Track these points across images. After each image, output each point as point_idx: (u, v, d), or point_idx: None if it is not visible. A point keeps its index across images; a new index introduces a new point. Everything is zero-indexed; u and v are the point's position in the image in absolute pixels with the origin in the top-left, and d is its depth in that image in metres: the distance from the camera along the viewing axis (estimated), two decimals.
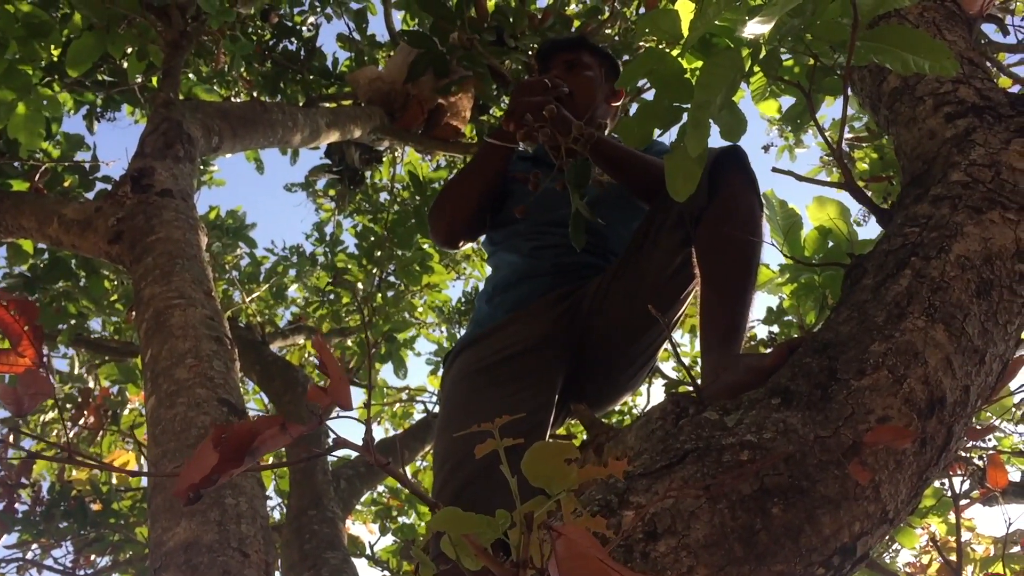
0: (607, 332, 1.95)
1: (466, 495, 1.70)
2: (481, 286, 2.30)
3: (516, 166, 2.24)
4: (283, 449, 4.18)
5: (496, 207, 2.21)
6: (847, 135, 4.71)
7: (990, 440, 3.52)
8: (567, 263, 2.10)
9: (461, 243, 2.24)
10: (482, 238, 2.32)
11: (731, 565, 1.07)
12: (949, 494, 2.53)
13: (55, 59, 3.97)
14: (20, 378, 0.75)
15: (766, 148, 5.73)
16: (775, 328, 3.70)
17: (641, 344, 1.98)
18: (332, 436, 0.75)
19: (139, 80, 4.24)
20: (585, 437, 1.83)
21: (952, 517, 2.61)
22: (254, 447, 0.58)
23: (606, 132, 2.42)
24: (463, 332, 2.24)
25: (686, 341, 6.32)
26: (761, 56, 1.53)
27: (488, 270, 2.31)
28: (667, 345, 2.18)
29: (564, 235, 2.11)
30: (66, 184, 4.11)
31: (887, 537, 2.91)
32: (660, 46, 1.59)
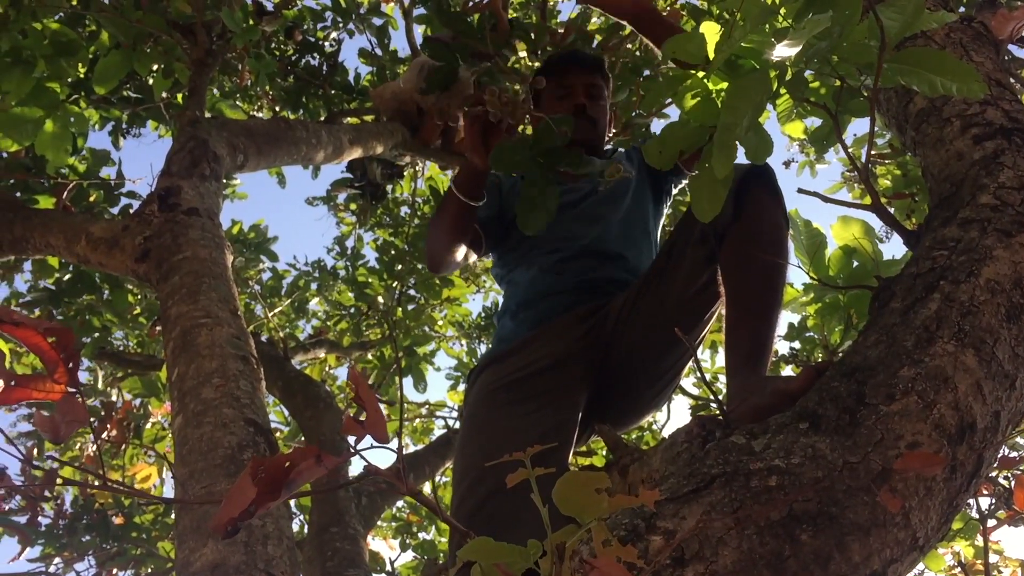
0: (632, 350, 1.94)
1: (484, 512, 1.70)
2: (500, 300, 2.28)
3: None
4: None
5: (503, 230, 2.21)
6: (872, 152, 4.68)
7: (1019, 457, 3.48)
8: (592, 279, 2.09)
9: (445, 271, 2.23)
10: (491, 261, 2.32)
11: None
12: (976, 515, 2.51)
13: (82, 76, 4.02)
14: (57, 405, 0.76)
15: (787, 164, 5.71)
16: (796, 344, 3.69)
17: (666, 363, 1.97)
18: (365, 464, 0.75)
19: (164, 97, 4.28)
20: (609, 458, 1.82)
21: (979, 539, 2.58)
22: (290, 480, 0.59)
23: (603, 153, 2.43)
24: (485, 348, 2.24)
25: (707, 356, 6.29)
26: (787, 78, 1.53)
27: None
28: (691, 363, 2.16)
29: (591, 257, 2.11)
30: (91, 199, 4.15)
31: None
32: (683, 66, 1.59)
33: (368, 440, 0.75)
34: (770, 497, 1.14)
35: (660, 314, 1.89)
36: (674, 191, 2.36)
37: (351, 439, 0.72)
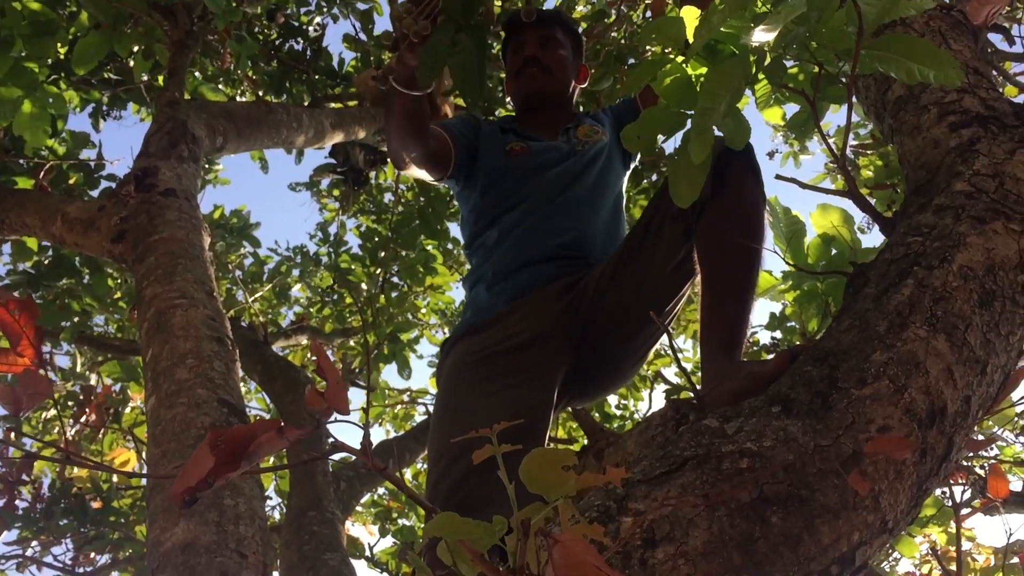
0: (609, 325, 1.93)
1: (461, 492, 1.69)
2: (470, 265, 2.25)
3: (501, 139, 2.24)
4: (284, 451, 4.17)
5: (471, 165, 2.20)
6: (852, 142, 4.71)
7: (992, 449, 3.52)
8: (568, 244, 2.09)
9: (407, 169, 2.15)
10: (465, 209, 2.29)
11: (729, 573, 1.06)
12: (949, 503, 2.53)
13: (61, 57, 3.98)
14: (19, 378, 0.75)
15: (771, 155, 5.73)
16: (778, 334, 3.70)
17: (642, 336, 1.97)
18: (331, 439, 0.75)
19: (145, 79, 4.25)
20: (586, 442, 1.82)
21: (952, 526, 2.60)
22: (251, 451, 0.58)
23: (571, 109, 2.40)
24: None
25: (688, 347, 6.32)
26: (766, 63, 1.53)
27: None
28: (669, 351, 2.16)
29: (567, 218, 2.10)
30: (71, 182, 4.11)
31: (887, 546, 2.90)
32: (665, 52, 1.59)
33: (346, 422, 0.74)
34: (741, 479, 1.14)
35: (638, 289, 1.89)
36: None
37: (316, 413, 0.71)
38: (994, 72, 3.05)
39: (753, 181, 1.79)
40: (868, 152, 4.62)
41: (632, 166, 2.38)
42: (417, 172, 2.17)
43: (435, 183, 2.38)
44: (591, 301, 1.93)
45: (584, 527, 0.82)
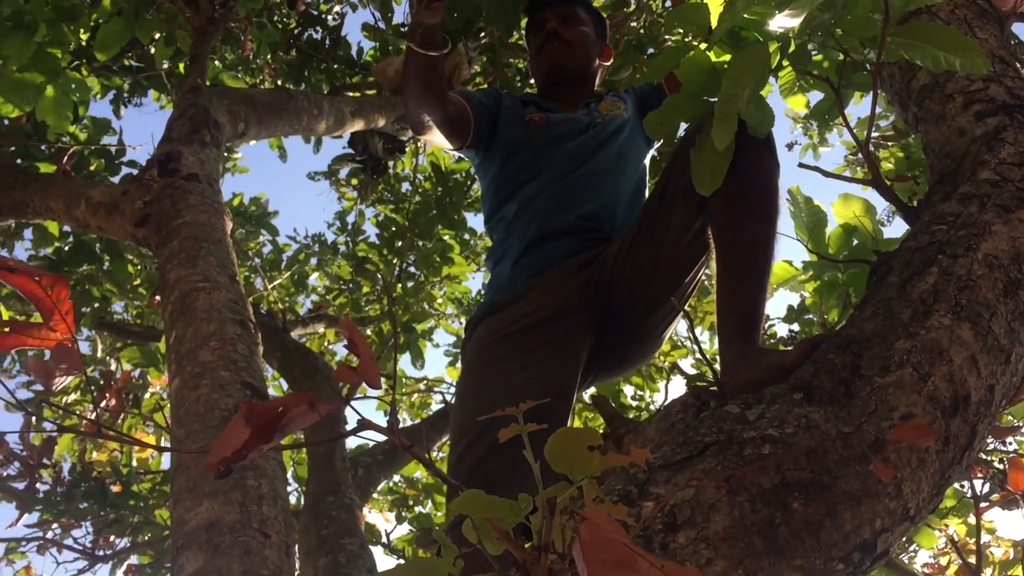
0: (629, 299, 1.92)
1: (483, 471, 1.69)
2: (493, 240, 2.26)
3: (522, 111, 2.24)
4: (302, 434, 4.20)
5: (491, 136, 2.21)
6: (873, 134, 4.68)
7: (1011, 443, 3.50)
8: (588, 216, 2.08)
9: (425, 132, 2.15)
10: (484, 183, 2.29)
11: (750, 558, 1.06)
12: (969, 495, 2.52)
13: (84, 43, 4.00)
14: (51, 352, 0.76)
15: (790, 146, 5.69)
16: (795, 326, 3.69)
17: (662, 311, 1.96)
18: (357, 418, 0.75)
19: (166, 66, 4.27)
20: (605, 430, 1.83)
21: (972, 519, 2.60)
22: (283, 424, 0.59)
23: (593, 86, 2.40)
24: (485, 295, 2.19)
25: (706, 338, 6.31)
26: (790, 51, 1.53)
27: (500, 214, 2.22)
28: (686, 342, 2.16)
29: (587, 190, 2.09)
30: (92, 168, 4.14)
31: (905, 538, 2.89)
32: (688, 39, 1.58)
33: (366, 407, 0.75)
34: (763, 465, 1.14)
35: (655, 262, 1.88)
36: None
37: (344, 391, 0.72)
38: (1018, 64, 3.02)
39: (769, 156, 1.75)
40: (889, 144, 4.60)
41: (655, 147, 2.37)
42: (436, 138, 2.17)
43: (455, 152, 2.37)
44: (610, 275, 1.92)
45: (609, 507, 0.83)
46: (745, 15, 1.44)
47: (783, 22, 1.36)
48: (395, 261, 6.19)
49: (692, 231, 1.83)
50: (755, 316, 1.67)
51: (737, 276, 1.70)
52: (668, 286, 1.89)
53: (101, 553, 4.53)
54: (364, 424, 0.76)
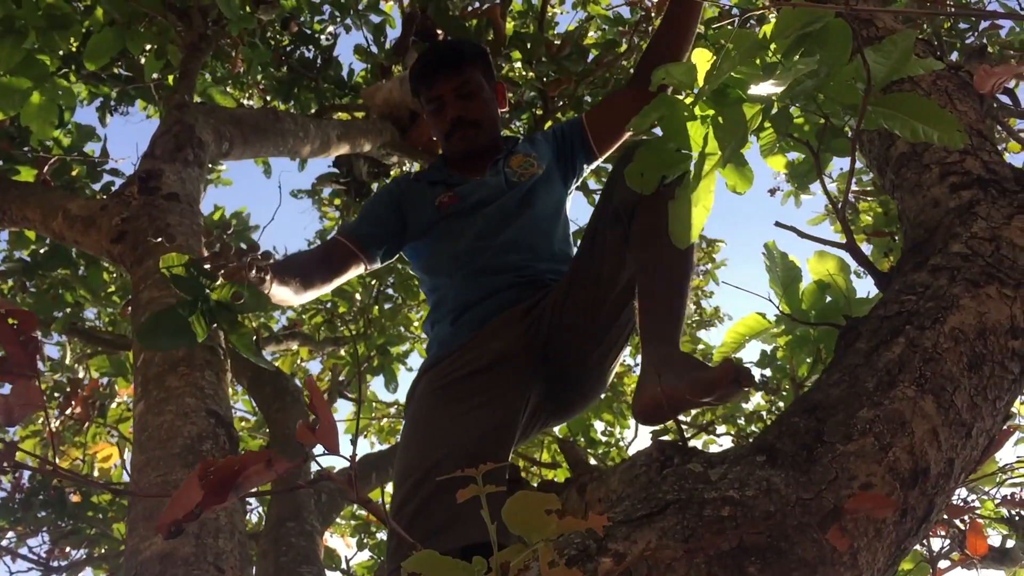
0: (569, 342, 1.94)
1: (425, 513, 1.68)
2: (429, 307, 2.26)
3: (429, 194, 2.22)
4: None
5: (399, 242, 2.22)
6: (853, 187, 4.73)
7: (973, 501, 3.52)
8: (525, 270, 2.09)
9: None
10: (415, 264, 2.30)
11: None
12: (927, 557, 2.53)
13: (73, 51, 3.98)
14: (13, 389, 0.75)
15: (772, 192, 5.74)
16: (767, 371, 3.70)
17: (603, 348, 1.98)
18: (319, 469, 0.75)
19: (155, 78, 4.26)
20: (569, 476, 1.83)
21: None
22: (239, 483, 0.59)
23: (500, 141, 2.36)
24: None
25: None
26: (772, 112, 1.55)
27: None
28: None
29: (515, 251, 2.10)
30: (73, 173, 4.12)
31: None
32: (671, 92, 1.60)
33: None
34: (722, 527, 1.15)
35: (594, 296, 1.91)
36: (585, 171, 2.35)
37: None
38: (999, 127, 3.07)
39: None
40: (869, 199, 4.65)
41: (574, 185, 2.35)
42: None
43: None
44: (550, 319, 1.94)
45: (563, 571, 0.83)
46: (732, 74, 1.46)
47: (767, 89, 1.37)
48: (373, 283, 6.17)
49: (625, 269, 1.86)
50: (675, 316, 1.71)
51: (657, 279, 1.74)
52: (606, 324, 1.92)
53: (56, 564, 4.47)
54: (324, 475, 0.76)
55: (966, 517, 2.86)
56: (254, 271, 1.71)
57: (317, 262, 2.15)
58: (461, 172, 2.27)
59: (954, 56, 3.65)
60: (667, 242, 1.66)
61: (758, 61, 1.51)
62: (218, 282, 1.71)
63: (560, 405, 2.07)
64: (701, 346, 6.83)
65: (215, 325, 1.75)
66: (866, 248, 4.08)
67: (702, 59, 1.60)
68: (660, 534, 1.15)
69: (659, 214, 1.69)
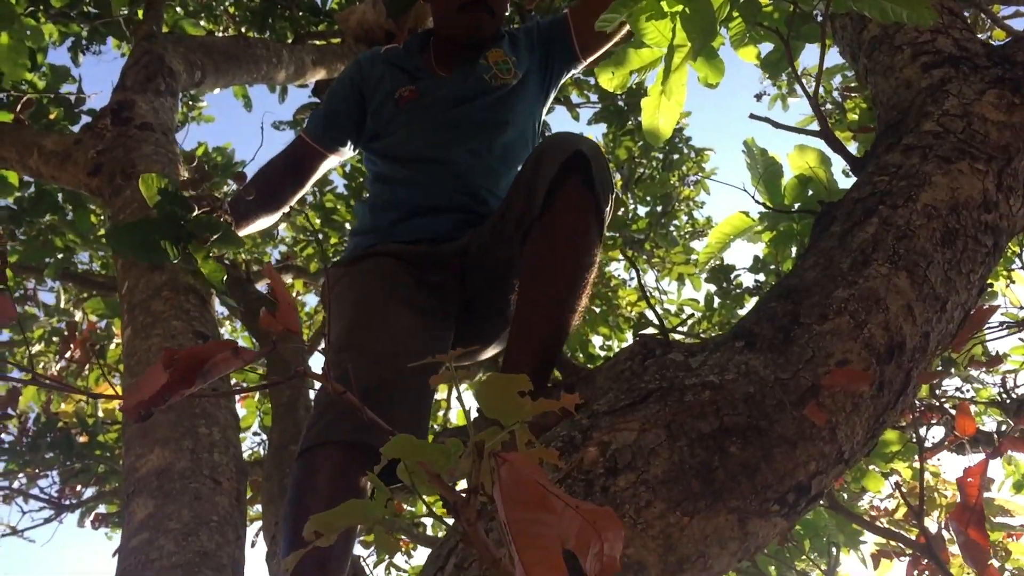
0: (484, 293, 1.93)
1: (383, 394, 1.61)
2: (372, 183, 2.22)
3: (391, 85, 2.12)
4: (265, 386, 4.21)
5: (369, 134, 2.17)
6: (838, 84, 4.70)
7: (968, 391, 3.57)
8: (469, 200, 2.04)
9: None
10: (367, 155, 2.23)
11: (688, 500, 1.10)
12: (915, 440, 2.58)
13: None
14: None
15: (759, 96, 5.70)
16: (761, 276, 3.73)
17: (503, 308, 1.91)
18: (297, 367, 0.77)
19: (124, 12, 4.18)
20: (557, 379, 1.85)
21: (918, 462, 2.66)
22: (205, 370, 0.60)
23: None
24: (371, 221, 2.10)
25: (673, 288, 6.36)
26: (740, 1, 1.53)
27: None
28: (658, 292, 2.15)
29: (468, 160, 2.04)
30: (51, 116, 4.07)
31: (852, 480, 2.96)
32: None
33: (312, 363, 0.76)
34: (702, 411, 1.17)
35: (499, 278, 1.86)
36: (564, 77, 2.23)
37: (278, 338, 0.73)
38: (982, 14, 3.03)
39: (584, 204, 1.70)
40: (854, 95, 4.61)
41: (553, 95, 2.24)
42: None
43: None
44: (472, 265, 1.92)
45: (541, 451, 0.85)
46: None
47: None
48: None
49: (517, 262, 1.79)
50: (543, 348, 1.66)
51: (535, 309, 1.67)
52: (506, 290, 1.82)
53: (67, 502, 4.55)
54: (302, 373, 0.78)
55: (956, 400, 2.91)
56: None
57: (286, 173, 2.21)
58: (432, 64, 2.16)
59: None
60: (552, 273, 1.64)
61: None
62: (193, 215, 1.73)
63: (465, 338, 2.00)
64: (695, 256, 6.85)
65: (188, 251, 1.77)
66: (853, 148, 4.06)
67: None
68: (643, 421, 1.18)
69: (552, 236, 1.67)
